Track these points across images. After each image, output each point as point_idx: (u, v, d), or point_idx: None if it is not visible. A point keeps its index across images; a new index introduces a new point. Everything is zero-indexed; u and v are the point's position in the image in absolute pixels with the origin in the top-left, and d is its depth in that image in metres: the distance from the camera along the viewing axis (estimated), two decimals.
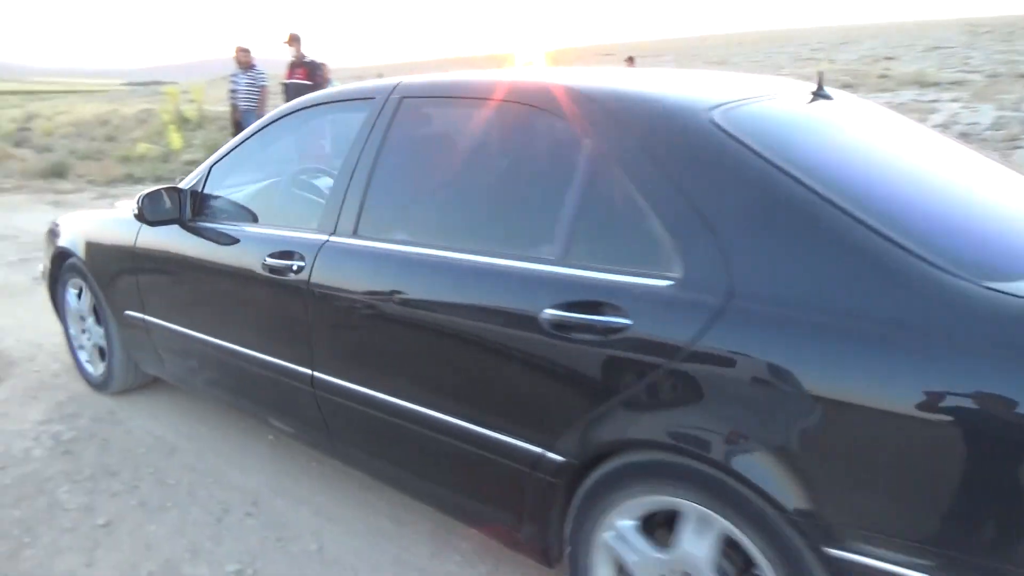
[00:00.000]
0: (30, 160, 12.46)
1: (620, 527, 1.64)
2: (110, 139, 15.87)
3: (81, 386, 3.53)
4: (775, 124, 1.76)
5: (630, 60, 14.28)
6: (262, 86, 9.29)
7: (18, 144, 15.29)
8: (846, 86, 15.92)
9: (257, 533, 2.37)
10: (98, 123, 18.97)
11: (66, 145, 14.82)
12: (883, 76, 20.84)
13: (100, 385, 3.43)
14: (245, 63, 9.25)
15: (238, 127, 8.45)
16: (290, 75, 7.90)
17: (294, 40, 7.77)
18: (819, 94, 2.01)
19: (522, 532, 1.87)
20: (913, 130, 2.14)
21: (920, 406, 1.20)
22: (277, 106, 2.90)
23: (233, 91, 9.53)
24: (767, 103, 1.86)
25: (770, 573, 1.41)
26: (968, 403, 1.17)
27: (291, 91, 7.90)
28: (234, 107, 9.25)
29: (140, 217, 2.65)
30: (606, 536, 1.67)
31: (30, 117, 21.51)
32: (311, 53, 7.96)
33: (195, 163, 10.75)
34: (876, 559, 1.27)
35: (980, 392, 1.16)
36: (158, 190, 2.69)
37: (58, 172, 11.29)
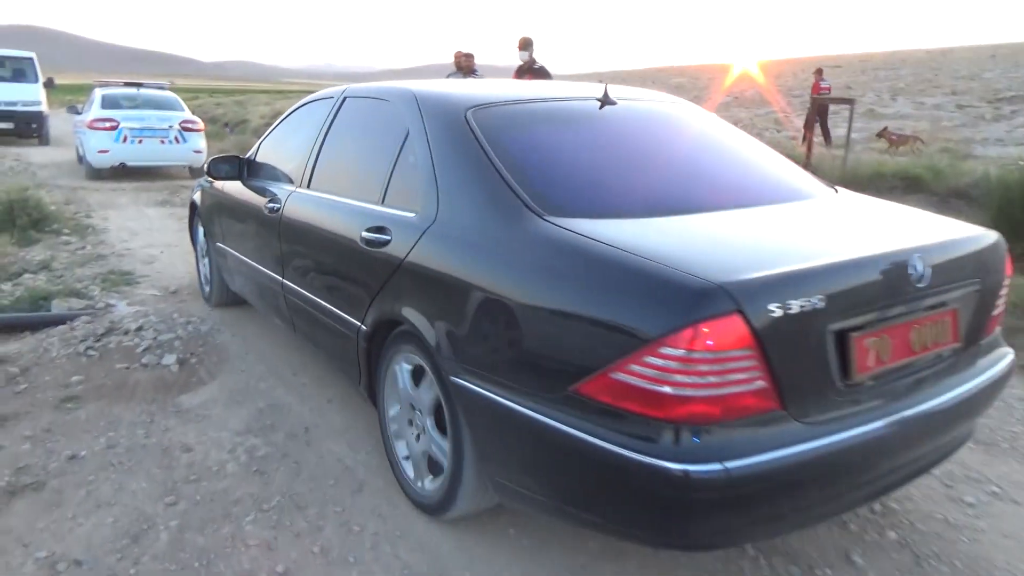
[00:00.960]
0: None
1: (399, 368, 2.50)
2: None
3: (283, 393, 3.44)
4: (506, 120, 2.51)
5: (818, 72, 16.83)
6: None
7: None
8: None
9: None
10: None
11: None
12: None
13: (207, 298, 4.75)
14: (467, 68, 9.29)
15: None
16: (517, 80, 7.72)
17: (526, 44, 7.57)
18: (605, 100, 2.68)
19: (361, 383, 2.78)
20: (678, 129, 2.92)
21: (494, 291, 2.02)
22: None
23: None
24: (520, 105, 2.68)
25: (435, 390, 2.29)
26: (513, 285, 1.98)
27: None
28: None
29: (208, 174, 3.93)
30: (393, 369, 2.54)
31: (277, 114, 23.77)
32: (541, 59, 7.69)
33: None
34: (469, 381, 2.08)
35: (521, 278, 1.98)
36: (221, 156, 3.94)
37: None
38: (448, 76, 9.95)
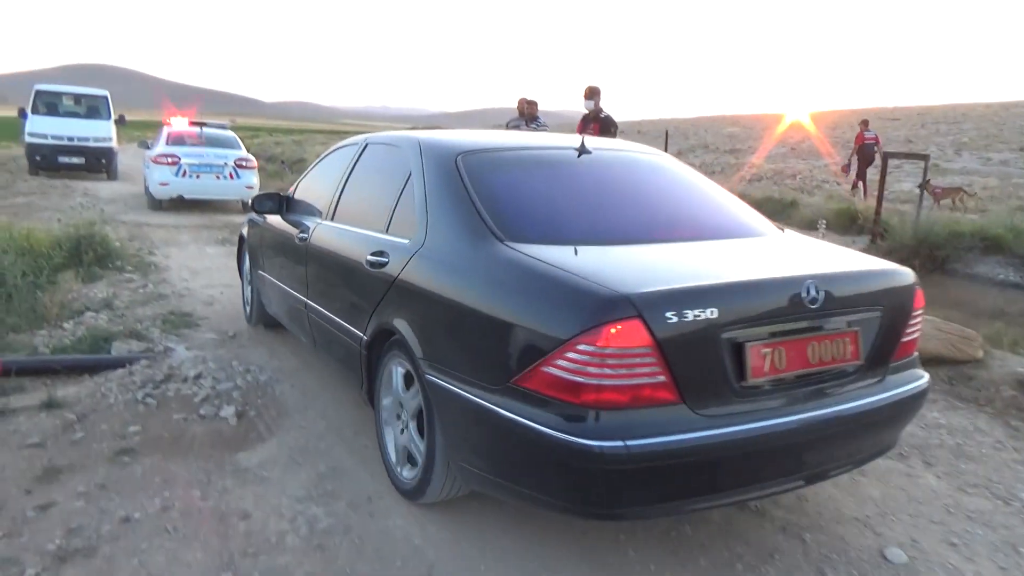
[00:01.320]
0: None
1: (394, 370, 2.90)
2: None
3: (344, 455, 3.25)
4: (489, 163, 2.99)
5: (864, 123, 16.98)
6: None
7: None
8: None
9: None
10: None
11: None
12: None
13: (248, 318, 5.26)
14: (529, 115, 9.23)
15: None
16: (582, 128, 7.59)
17: (592, 94, 7.44)
18: (582, 150, 3.15)
19: (363, 388, 3.18)
20: (643, 174, 3.40)
21: (459, 301, 2.48)
22: None
23: None
24: (504, 152, 3.21)
25: (419, 398, 2.70)
26: (473, 296, 2.43)
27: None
28: None
29: (253, 209, 4.47)
30: (389, 370, 2.94)
31: None
32: (608, 108, 7.56)
33: None
34: (438, 378, 2.49)
35: (479, 291, 2.43)
36: (264, 193, 4.43)
37: None
38: (509, 122, 9.93)
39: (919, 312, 2.66)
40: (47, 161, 15.58)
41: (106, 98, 17.25)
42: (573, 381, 2.03)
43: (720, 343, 2.12)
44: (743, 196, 10.58)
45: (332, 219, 3.68)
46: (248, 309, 5.23)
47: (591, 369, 2.01)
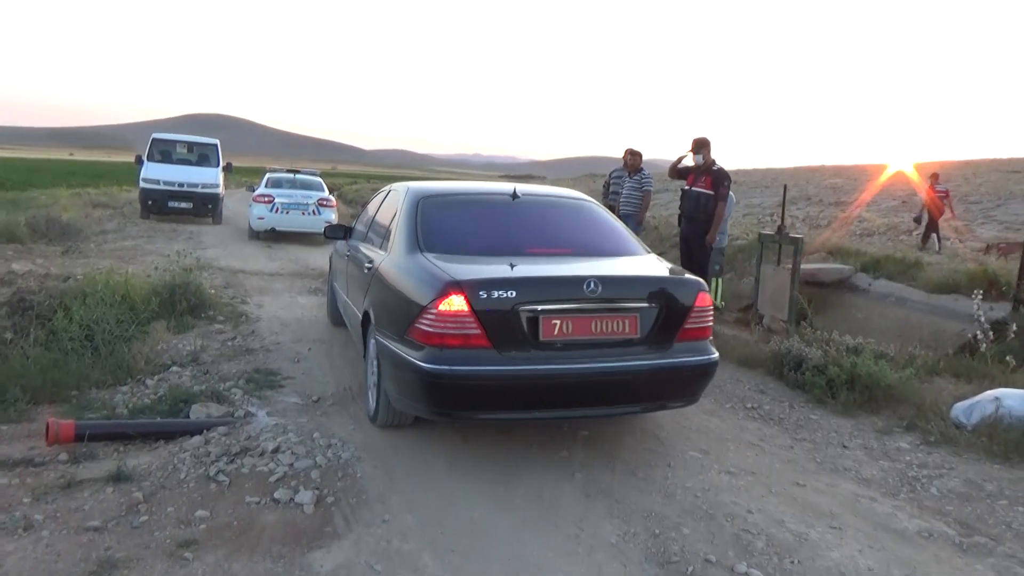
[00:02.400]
0: None
1: (372, 340, 4.06)
2: None
3: (433, 565, 2.77)
4: (438, 203, 4.40)
5: (934, 176, 16.57)
6: (647, 191, 8.70)
7: None
8: None
9: None
10: None
11: None
12: None
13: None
14: (632, 166, 8.78)
15: None
16: (692, 181, 7.06)
17: (701, 146, 6.90)
18: (514, 195, 4.46)
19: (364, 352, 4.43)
20: (555, 210, 4.71)
21: (390, 286, 3.97)
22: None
23: (614, 192, 9.12)
24: (453, 195, 4.76)
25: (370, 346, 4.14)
26: (395, 284, 3.91)
27: (689, 199, 7.04)
28: (611, 207, 8.89)
29: (325, 235, 6.12)
30: (370, 341, 4.15)
31: None
32: (720, 160, 7.01)
33: None
34: (383, 338, 3.79)
35: (398, 281, 3.89)
36: (334, 224, 6.31)
37: None
38: (612, 172, 9.51)
39: (704, 308, 3.80)
40: (158, 206, 16.22)
41: (216, 146, 17.94)
42: (428, 331, 3.41)
43: (519, 313, 3.42)
44: (858, 252, 9.71)
45: (364, 240, 5.17)
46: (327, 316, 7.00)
47: (437, 324, 3.38)
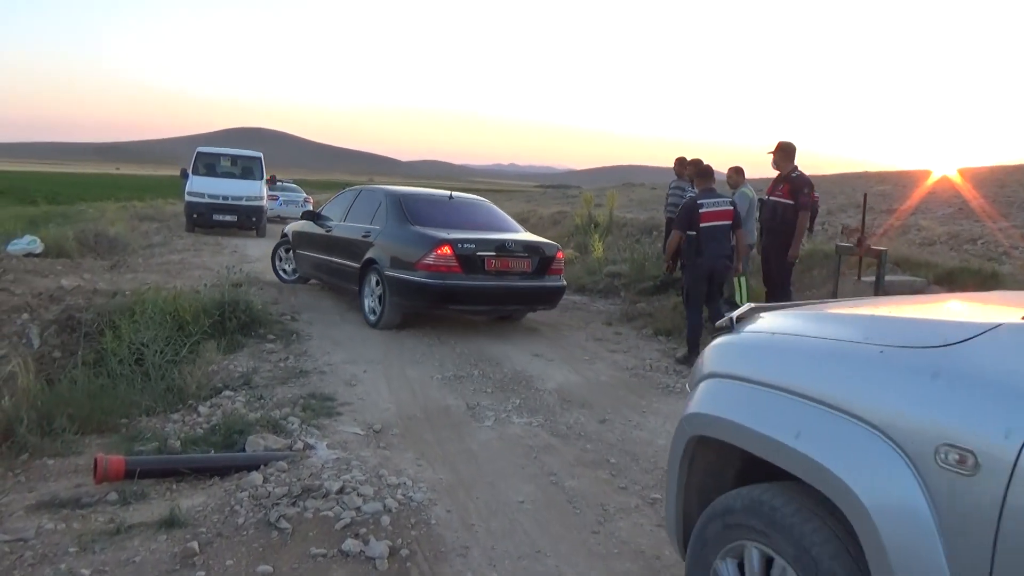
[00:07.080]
0: None
1: (370, 276, 7.48)
2: None
3: None
4: (412, 198, 8.02)
5: None
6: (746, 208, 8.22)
7: None
8: None
9: None
10: (518, 220, 20.25)
11: None
12: None
13: (289, 279, 9.80)
14: (734, 184, 8.26)
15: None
16: (771, 190, 6.60)
17: (781, 150, 6.44)
18: (451, 196, 8.31)
19: (359, 299, 7.66)
20: (473, 206, 8.47)
21: (394, 244, 7.33)
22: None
23: (675, 204, 8.70)
24: (421, 194, 8.45)
25: (382, 286, 7.31)
26: (396, 242, 7.39)
27: (767, 209, 6.58)
28: (669, 220, 8.50)
29: (301, 218, 9.74)
30: (369, 278, 7.50)
31: None
32: (801, 166, 6.51)
33: (618, 274, 10.07)
34: (391, 272, 7.14)
35: (399, 240, 7.34)
36: (310, 210, 10.21)
37: None
38: (672, 183, 9.09)
39: (559, 260, 7.43)
40: (203, 219, 16.20)
41: (260, 159, 17.92)
42: (428, 264, 6.73)
43: (476, 255, 6.82)
44: (927, 263, 9.06)
45: (344, 221, 8.31)
46: (294, 275, 9.86)
47: (432, 261, 6.71)
